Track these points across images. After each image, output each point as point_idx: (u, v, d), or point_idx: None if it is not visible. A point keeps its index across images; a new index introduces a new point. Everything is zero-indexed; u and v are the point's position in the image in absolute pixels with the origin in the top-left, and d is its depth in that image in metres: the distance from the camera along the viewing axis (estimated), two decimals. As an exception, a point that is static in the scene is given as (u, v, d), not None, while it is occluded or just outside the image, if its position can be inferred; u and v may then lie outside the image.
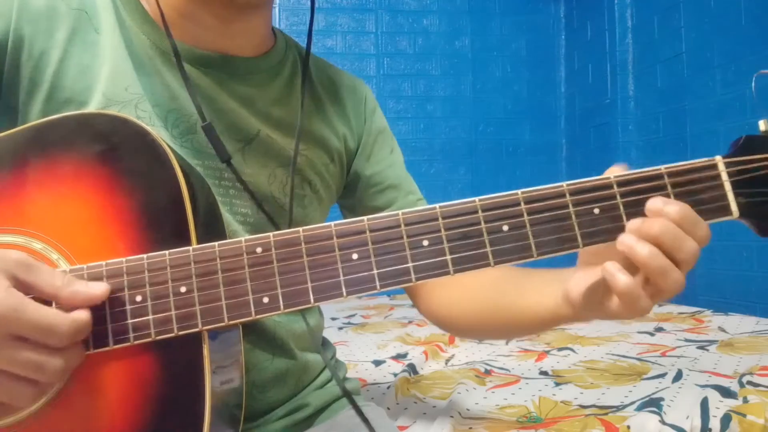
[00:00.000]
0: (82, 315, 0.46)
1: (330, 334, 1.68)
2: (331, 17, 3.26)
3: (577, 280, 0.54)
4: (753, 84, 0.55)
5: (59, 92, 0.61)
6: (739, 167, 0.49)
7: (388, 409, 1.02)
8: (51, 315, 0.43)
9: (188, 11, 0.65)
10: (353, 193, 0.81)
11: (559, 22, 3.52)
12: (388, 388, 1.11)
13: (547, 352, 1.46)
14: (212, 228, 0.56)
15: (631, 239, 0.47)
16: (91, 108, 0.61)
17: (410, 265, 0.48)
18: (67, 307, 0.45)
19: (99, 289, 0.47)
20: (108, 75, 0.62)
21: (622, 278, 0.47)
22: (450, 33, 3.38)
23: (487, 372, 1.27)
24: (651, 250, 0.46)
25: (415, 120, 3.32)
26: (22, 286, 0.44)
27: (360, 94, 0.81)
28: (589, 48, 3.27)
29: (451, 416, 0.95)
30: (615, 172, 0.49)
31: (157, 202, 0.51)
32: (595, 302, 0.52)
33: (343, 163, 0.78)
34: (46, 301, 0.45)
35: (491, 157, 3.38)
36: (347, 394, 0.63)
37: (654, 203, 0.48)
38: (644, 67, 2.96)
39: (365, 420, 0.62)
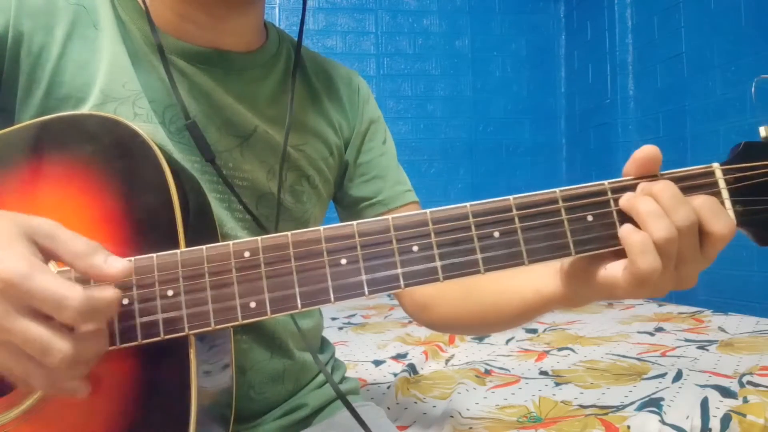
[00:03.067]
0: (102, 292, 0.42)
1: (330, 334, 1.68)
2: (331, 17, 3.26)
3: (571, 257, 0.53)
4: (753, 89, 0.54)
5: (57, 89, 0.61)
6: (738, 174, 0.49)
7: (388, 408, 1.02)
8: (60, 285, 0.40)
9: (181, 9, 0.65)
10: (341, 183, 0.80)
11: (559, 22, 3.51)
12: (388, 388, 1.11)
13: (547, 352, 1.46)
14: (203, 230, 0.56)
15: (630, 194, 0.48)
16: (89, 104, 0.61)
17: (399, 271, 0.48)
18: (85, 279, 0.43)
19: (115, 268, 0.43)
20: (106, 71, 0.62)
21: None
22: (450, 33, 3.38)
23: (487, 372, 1.27)
24: (652, 203, 0.46)
25: (415, 120, 3.32)
26: (43, 252, 0.42)
27: (354, 85, 0.81)
28: (589, 48, 3.27)
29: (451, 416, 0.95)
30: (644, 152, 0.49)
31: (147, 204, 0.50)
32: (589, 273, 0.51)
33: (342, 154, 0.78)
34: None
35: (491, 157, 3.38)
36: (341, 396, 0.63)
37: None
38: (644, 67, 2.96)
39: (361, 421, 0.62)
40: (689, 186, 0.49)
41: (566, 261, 0.55)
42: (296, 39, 0.75)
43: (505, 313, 0.65)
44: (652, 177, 0.49)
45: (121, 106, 0.62)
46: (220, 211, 0.66)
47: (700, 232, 0.47)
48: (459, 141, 3.36)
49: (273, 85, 0.72)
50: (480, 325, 0.74)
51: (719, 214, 0.47)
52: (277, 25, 0.78)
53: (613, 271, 0.49)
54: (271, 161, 0.69)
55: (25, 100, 0.61)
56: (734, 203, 0.49)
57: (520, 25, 3.45)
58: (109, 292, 0.43)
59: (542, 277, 0.59)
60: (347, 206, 0.80)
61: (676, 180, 0.49)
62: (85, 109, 0.60)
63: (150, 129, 0.62)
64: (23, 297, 0.39)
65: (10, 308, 0.39)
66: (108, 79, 0.62)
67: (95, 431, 0.49)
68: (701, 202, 0.47)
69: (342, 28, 3.28)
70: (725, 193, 0.49)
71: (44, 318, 0.40)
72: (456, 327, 0.85)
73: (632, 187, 0.49)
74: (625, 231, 0.47)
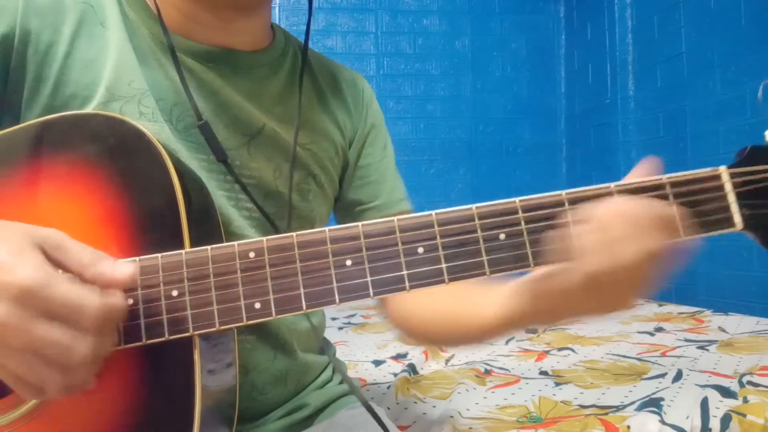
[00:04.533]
0: (116, 298, 0.44)
1: (330, 334, 1.67)
2: (331, 17, 3.26)
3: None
4: (760, 93, 0.54)
5: (64, 87, 0.60)
6: (744, 178, 0.49)
7: (388, 409, 1.02)
8: (81, 293, 0.42)
9: (188, 9, 0.65)
10: (340, 184, 0.80)
11: (559, 22, 3.51)
12: (388, 388, 1.11)
13: (547, 352, 1.46)
14: (207, 230, 0.56)
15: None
16: (95, 103, 0.60)
17: (404, 273, 0.48)
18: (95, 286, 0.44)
19: (124, 273, 0.45)
20: (112, 69, 0.61)
21: None
22: (450, 33, 3.38)
23: (487, 372, 1.27)
24: None
25: (415, 120, 3.32)
26: (52, 261, 0.43)
27: (358, 87, 0.81)
28: (589, 48, 3.27)
29: (451, 416, 0.95)
30: (645, 167, 0.49)
31: (152, 204, 0.50)
32: (550, 283, 0.51)
33: (345, 155, 0.78)
34: None
35: (491, 157, 3.38)
36: (355, 391, 0.63)
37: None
38: (644, 67, 2.96)
39: (375, 415, 0.62)
40: (696, 189, 0.49)
41: (524, 277, 0.54)
42: (301, 40, 0.75)
43: (466, 334, 0.65)
44: (656, 181, 0.49)
45: (126, 104, 0.61)
46: (227, 209, 0.66)
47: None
48: (459, 141, 3.36)
49: (280, 84, 0.72)
50: (446, 343, 0.73)
51: (643, 232, 0.46)
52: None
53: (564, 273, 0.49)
54: (277, 159, 0.70)
55: (31, 99, 0.61)
56: (741, 206, 0.48)
57: (520, 25, 3.44)
58: (120, 298, 0.44)
59: (501, 298, 0.57)
60: (341, 208, 0.81)
61: (683, 183, 0.49)
62: (90, 108, 0.60)
63: (155, 128, 0.62)
64: (41, 304, 0.40)
65: (27, 315, 0.40)
66: (114, 77, 0.61)
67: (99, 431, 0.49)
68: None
69: (342, 28, 3.28)
70: (732, 197, 0.49)
71: (59, 322, 0.41)
72: (428, 341, 0.84)
73: (638, 191, 0.49)
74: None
